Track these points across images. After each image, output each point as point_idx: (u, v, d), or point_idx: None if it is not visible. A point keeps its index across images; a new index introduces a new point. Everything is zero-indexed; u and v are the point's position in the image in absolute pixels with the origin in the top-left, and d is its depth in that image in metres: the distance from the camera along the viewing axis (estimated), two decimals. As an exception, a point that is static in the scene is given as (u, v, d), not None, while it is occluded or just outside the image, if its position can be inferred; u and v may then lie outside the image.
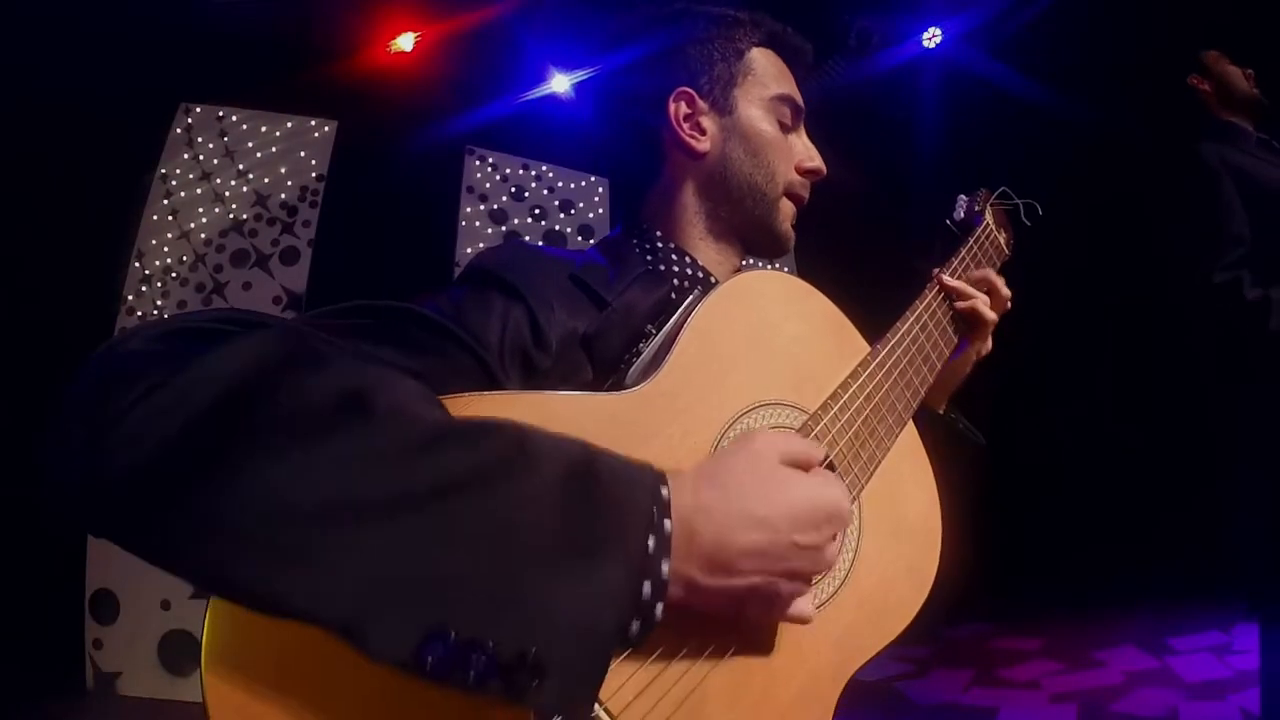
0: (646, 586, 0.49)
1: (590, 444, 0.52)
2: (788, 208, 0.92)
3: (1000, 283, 1.00)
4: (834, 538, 0.61)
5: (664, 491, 0.52)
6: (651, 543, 0.49)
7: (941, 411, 1.01)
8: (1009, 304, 1.01)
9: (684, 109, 0.90)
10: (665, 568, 0.50)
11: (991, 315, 0.97)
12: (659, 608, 0.49)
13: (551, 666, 0.44)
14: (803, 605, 0.60)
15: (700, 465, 0.59)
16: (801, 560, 0.58)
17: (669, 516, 0.51)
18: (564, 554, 0.46)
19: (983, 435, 1.03)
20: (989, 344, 1.00)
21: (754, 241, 0.94)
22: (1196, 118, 1.85)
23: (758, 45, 0.93)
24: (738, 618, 0.59)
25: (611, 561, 0.47)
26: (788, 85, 0.93)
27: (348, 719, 0.49)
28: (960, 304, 0.95)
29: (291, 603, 0.42)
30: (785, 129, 0.92)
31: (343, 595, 0.42)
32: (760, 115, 0.90)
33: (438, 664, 0.42)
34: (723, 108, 0.90)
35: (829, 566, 0.61)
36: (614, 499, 0.49)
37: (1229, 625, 3.40)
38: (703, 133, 0.90)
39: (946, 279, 0.95)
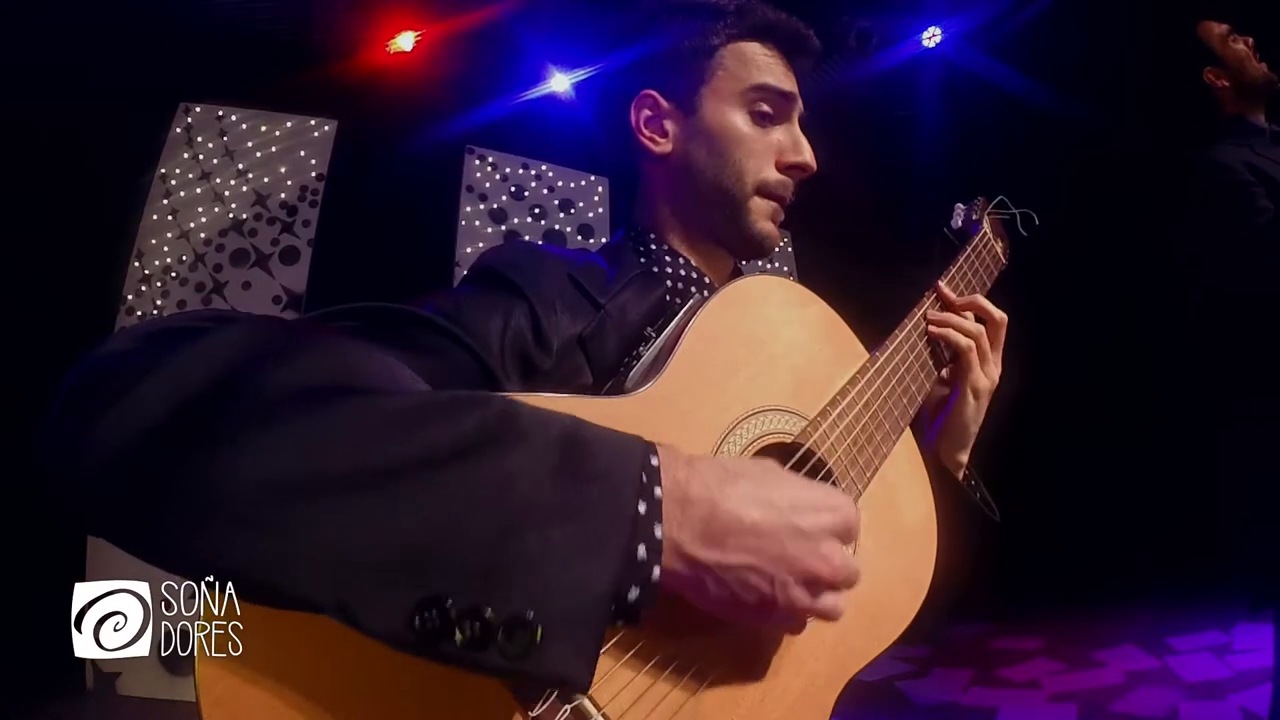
0: (641, 549, 0.48)
1: (577, 417, 0.52)
2: (762, 207, 0.87)
3: (990, 306, 0.93)
4: (838, 537, 0.57)
5: (654, 460, 0.52)
6: (643, 507, 0.49)
7: (962, 476, 0.93)
8: (1003, 326, 0.93)
9: (646, 112, 0.88)
10: (659, 531, 0.50)
11: (967, 341, 0.90)
12: (655, 571, 0.49)
13: (549, 628, 0.43)
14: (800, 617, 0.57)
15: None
16: (799, 548, 0.54)
17: (659, 484, 0.51)
18: (556, 518, 0.46)
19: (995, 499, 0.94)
20: (985, 376, 0.91)
21: (730, 243, 0.90)
22: (1207, 115, 1.75)
23: (740, 38, 0.87)
24: (735, 620, 0.57)
25: (604, 524, 0.47)
26: (769, 75, 0.86)
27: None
28: (935, 329, 0.89)
29: (280, 585, 0.42)
30: (765, 121, 0.87)
31: (333, 571, 0.42)
32: (729, 110, 0.85)
33: (433, 634, 0.42)
34: (688, 107, 0.87)
35: (836, 572, 0.55)
36: (603, 466, 0.49)
37: (1229, 625, 3.40)
38: (664, 135, 0.88)
39: (931, 314, 0.91)
